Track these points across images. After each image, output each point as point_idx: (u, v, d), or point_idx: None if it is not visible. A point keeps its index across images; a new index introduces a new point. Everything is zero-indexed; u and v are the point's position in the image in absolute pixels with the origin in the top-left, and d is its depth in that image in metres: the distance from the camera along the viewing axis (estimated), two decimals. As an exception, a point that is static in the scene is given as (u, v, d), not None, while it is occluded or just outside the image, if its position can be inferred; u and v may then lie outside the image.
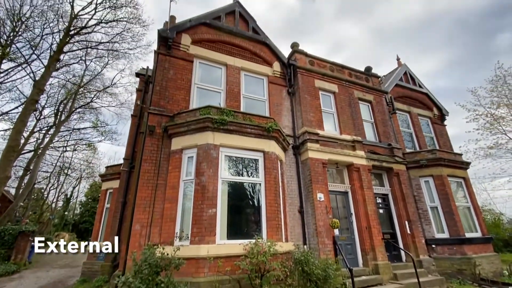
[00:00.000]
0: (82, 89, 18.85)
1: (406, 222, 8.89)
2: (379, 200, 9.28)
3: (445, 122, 13.25)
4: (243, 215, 6.27)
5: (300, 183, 7.97)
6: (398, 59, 14.34)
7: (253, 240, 5.21)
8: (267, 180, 6.58)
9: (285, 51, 11.56)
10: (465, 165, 10.61)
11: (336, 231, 7.89)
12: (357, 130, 9.68)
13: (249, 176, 6.59)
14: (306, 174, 8.00)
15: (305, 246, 7.24)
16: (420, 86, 13.19)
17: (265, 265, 4.57)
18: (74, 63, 17.49)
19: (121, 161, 10.14)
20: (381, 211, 9.16)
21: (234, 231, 5.90)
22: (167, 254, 4.52)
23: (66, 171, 24.34)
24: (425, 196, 9.77)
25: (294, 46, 10.29)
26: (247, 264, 4.56)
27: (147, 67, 10.15)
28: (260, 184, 6.56)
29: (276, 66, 9.38)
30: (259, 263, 4.56)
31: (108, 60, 18.20)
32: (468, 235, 9.14)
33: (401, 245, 8.75)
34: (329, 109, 9.76)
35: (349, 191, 8.64)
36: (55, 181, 25.60)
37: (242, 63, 8.77)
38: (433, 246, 9.03)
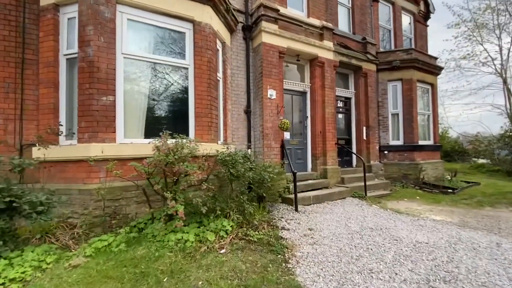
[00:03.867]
0: None
1: (364, 128, 8.20)
2: (340, 104, 8.22)
3: (428, 22, 11.51)
4: (160, 109, 4.67)
5: (249, 77, 6.30)
6: None
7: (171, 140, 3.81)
8: (198, 65, 4.76)
9: None
10: (437, 70, 9.60)
11: (287, 135, 6.90)
12: (329, 14, 7.59)
13: (169, 56, 4.67)
14: (257, 66, 6.26)
15: (249, 150, 6.22)
16: (412, -30, 10.61)
17: (174, 167, 3.30)
18: None
19: None
20: (340, 116, 8.24)
21: (149, 129, 4.41)
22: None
23: None
24: (389, 101, 8.92)
25: None
26: (144, 166, 3.26)
27: None
28: (187, 68, 4.76)
29: None
30: (161, 165, 3.27)
31: None
32: (421, 142, 8.93)
33: (354, 150, 8.29)
34: (297, -18, 7.26)
35: (308, 91, 7.29)
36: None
37: None
38: (385, 152, 8.77)
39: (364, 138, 8.19)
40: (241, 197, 3.89)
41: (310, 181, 6.58)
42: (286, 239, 3.81)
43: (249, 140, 6.24)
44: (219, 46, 5.53)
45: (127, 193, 3.93)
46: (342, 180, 7.10)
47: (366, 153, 8.18)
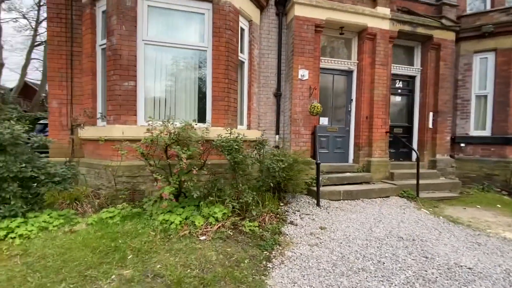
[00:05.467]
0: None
1: (431, 114, 6.62)
2: (399, 84, 6.82)
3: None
4: (179, 93, 4.78)
5: (280, 57, 5.82)
6: None
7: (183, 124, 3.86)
8: (215, 46, 4.63)
9: None
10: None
11: (325, 121, 6.19)
12: (388, -27, 6.19)
13: (189, 39, 4.68)
14: (289, 43, 5.70)
15: (277, 136, 5.87)
16: None
17: (170, 150, 3.36)
18: None
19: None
20: (398, 98, 6.86)
21: (168, 112, 4.61)
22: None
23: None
24: (473, 80, 6.90)
25: None
26: (140, 147, 3.40)
27: None
28: (205, 51, 4.69)
29: None
30: (153, 147, 3.37)
31: None
32: (521, 134, 6.67)
33: (414, 141, 6.86)
34: None
35: (355, 70, 6.28)
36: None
37: None
38: (462, 145, 6.93)
39: (430, 126, 6.63)
40: (240, 185, 3.70)
41: (347, 174, 5.80)
42: (287, 235, 3.47)
43: (277, 126, 5.86)
44: (244, 25, 5.24)
45: (144, 172, 4.24)
46: (391, 176, 5.99)
47: (431, 144, 6.64)
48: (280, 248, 3.11)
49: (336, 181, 5.51)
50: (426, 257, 3.00)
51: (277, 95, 5.83)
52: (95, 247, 2.59)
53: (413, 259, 2.95)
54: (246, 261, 2.71)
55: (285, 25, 5.86)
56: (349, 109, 6.36)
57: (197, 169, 3.27)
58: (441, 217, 4.42)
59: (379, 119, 6.02)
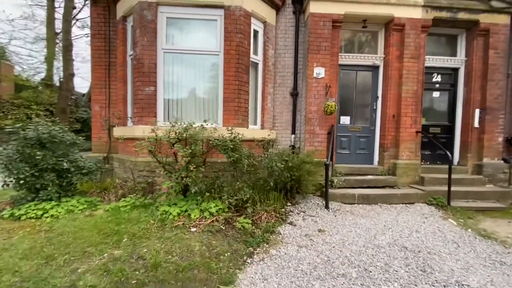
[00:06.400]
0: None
1: (477, 111, 5.73)
2: (437, 78, 6.07)
3: None
4: (194, 95, 5.14)
5: (297, 56, 5.76)
6: None
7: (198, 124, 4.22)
8: (226, 50, 4.86)
9: None
10: None
11: (346, 120, 5.92)
12: (421, -44, 5.56)
13: (203, 45, 5.00)
14: (306, 41, 5.61)
15: (292, 136, 5.83)
16: None
17: (173, 148, 3.71)
18: None
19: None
20: (436, 94, 6.11)
21: (184, 113, 5.02)
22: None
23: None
24: (539, 69, 5.72)
25: None
26: (148, 145, 3.80)
27: None
28: (217, 55, 4.96)
29: None
30: (159, 145, 3.75)
31: None
32: None
33: (456, 143, 6.03)
34: None
35: (381, 65, 5.83)
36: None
37: None
38: (522, 147, 5.82)
39: (476, 125, 5.74)
40: (238, 183, 3.85)
41: (369, 177, 5.45)
42: (280, 234, 3.50)
43: (293, 125, 5.82)
44: (258, 26, 5.36)
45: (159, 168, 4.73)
46: (422, 180, 5.41)
47: (476, 146, 5.75)
48: (267, 246, 3.17)
49: (354, 184, 5.23)
50: (424, 271, 2.71)
51: (294, 94, 5.79)
52: (101, 229, 3.06)
53: (406, 271, 2.70)
54: (227, 254, 2.86)
55: (303, 23, 5.77)
56: (375, 107, 5.93)
57: (194, 166, 3.54)
58: (469, 230, 3.85)
59: (408, 117, 5.48)
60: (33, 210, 3.41)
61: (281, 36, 5.81)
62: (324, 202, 4.67)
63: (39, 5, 15.65)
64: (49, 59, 15.16)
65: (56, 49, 15.66)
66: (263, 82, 5.56)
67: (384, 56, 5.75)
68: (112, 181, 5.00)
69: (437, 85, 6.08)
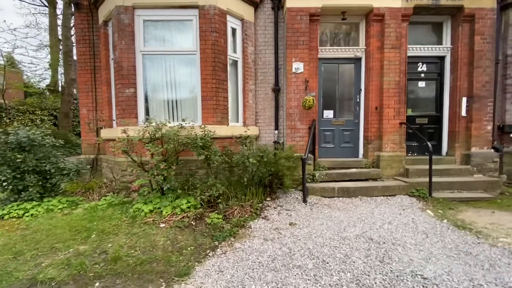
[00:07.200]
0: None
1: (464, 100, 5.59)
2: (423, 67, 5.94)
3: None
4: (176, 94, 5.23)
5: (277, 52, 5.77)
6: None
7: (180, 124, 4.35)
8: (202, 49, 4.93)
9: None
10: None
11: (330, 114, 5.89)
12: None
13: (180, 46, 5.09)
14: (284, 37, 5.60)
15: (276, 131, 5.87)
16: None
17: (143, 147, 3.84)
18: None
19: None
20: (422, 84, 5.99)
21: (166, 114, 5.15)
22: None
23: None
24: (529, 53, 5.52)
25: None
26: (121, 145, 3.93)
27: None
28: (194, 54, 5.04)
29: None
30: (130, 145, 3.87)
31: None
32: None
33: (444, 133, 5.91)
34: None
35: (362, 57, 5.76)
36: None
37: None
38: (512, 135, 5.65)
39: (463, 114, 5.60)
40: (210, 180, 3.93)
41: (352, 170, 5.42)
42: (250, 228, 3.56)
43: (276, 121, 5.85)
44: (235, 24, 5.40)
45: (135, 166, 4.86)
46: (406, 172, 5.34)
47: (464, 136, 5.61)
48: (233, 239, 3.24)
49: (336, 177, 5.22)
50: (382, 261, 2.72)
51: (276, 90, 5.81)
52: (73, 226, 3.21)
53: (364, 262, 2.71)
54: (190, 248, 2.96)
55: (281, 18, 5.76)
56: (358, 100, 5.87)
57: (165, 164, 3.65)
58: (445, 221, 3.80)
59: (390, 109, 5.41)
60: (15, 210, 3.61)
61: (261, 33, 5.82)
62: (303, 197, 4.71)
63: (42, 13, 16.18)
64: (53, 65, 15.63)
65: (60, 55, 16.15)
66: (244, 79, 5.60)
67: (365, 47, 5.68)
68: (99, 181, 5.19)
69: (423, 75, 5.96)
